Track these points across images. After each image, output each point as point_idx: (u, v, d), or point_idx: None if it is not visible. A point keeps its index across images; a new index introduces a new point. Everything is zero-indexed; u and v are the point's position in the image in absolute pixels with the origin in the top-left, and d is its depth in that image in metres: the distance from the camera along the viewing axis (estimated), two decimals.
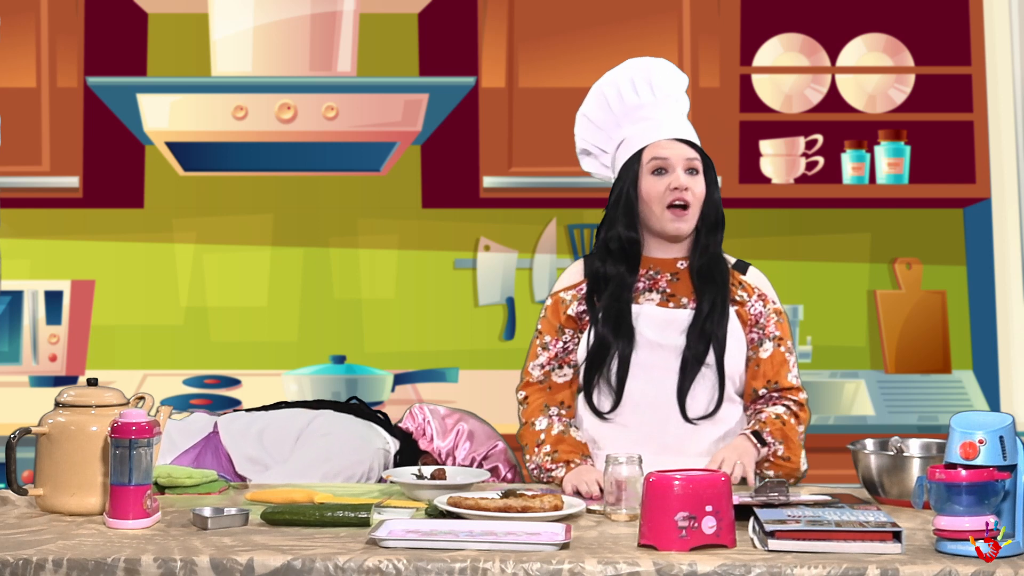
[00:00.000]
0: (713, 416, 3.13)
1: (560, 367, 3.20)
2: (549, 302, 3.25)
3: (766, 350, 3.16)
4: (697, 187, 3.14)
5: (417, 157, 5.48)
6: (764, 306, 3.19)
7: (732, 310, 3.16)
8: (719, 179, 3.29)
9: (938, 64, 5.29)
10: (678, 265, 3.20)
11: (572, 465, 3.08)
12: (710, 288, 3.15)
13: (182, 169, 5.29)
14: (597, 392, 3.16)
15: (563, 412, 3.18)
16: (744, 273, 3.22)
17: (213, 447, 3.37)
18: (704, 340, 3.11)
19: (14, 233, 5.39)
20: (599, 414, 3.16)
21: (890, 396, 5.21)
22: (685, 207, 3.14)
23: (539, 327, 3.24)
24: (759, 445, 3.08)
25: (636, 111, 3.21)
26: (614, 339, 3.13)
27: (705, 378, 3.13)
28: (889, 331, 5.39)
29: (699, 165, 3.15)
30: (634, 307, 3.17)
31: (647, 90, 3.21)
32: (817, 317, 5.41)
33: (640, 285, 3.19)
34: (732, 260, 3.24)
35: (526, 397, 3.21)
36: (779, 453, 3.10)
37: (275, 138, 5.06)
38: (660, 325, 3.14)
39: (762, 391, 3.16)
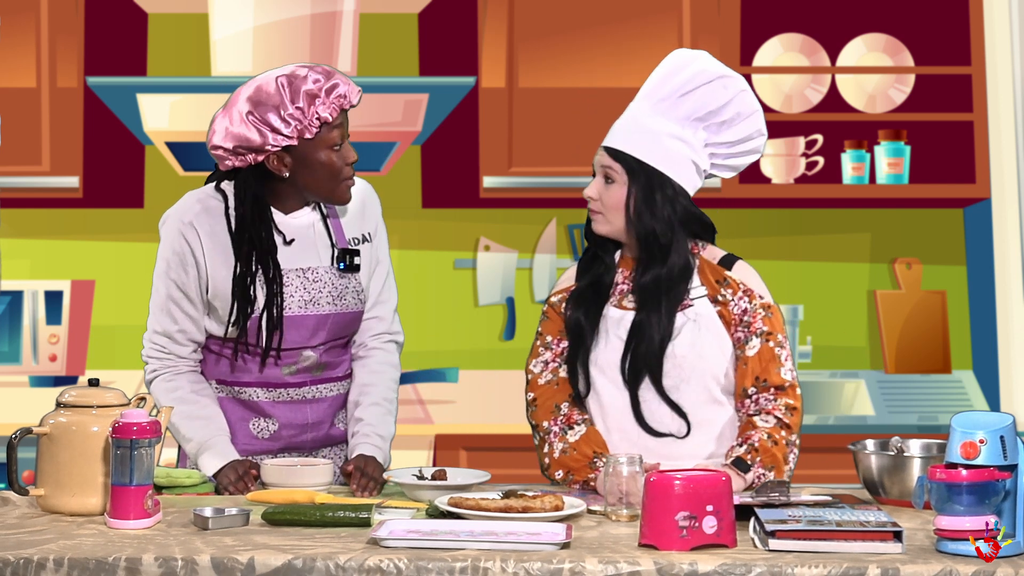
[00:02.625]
0: (687, 437, 3.11)
1: (566, 363, 3.19)
2: (546, 307, 3.24)
3: (753, 347, 3.11)
4: (608, 196, 3.13)
5: (417, 157, 5.48)
6: (750, 302, 3.13)
7: (715, 310, 3.13)
8: (677, 188, 3.16)
9: (938, 64, 5.29)
10: None
11: (590, 481, 3.09)
12: (646, 312, 3.10)
13: (182, 169, 5.29)
14: (574, 380, 3.17)
15: (569, 410, 3.16)
16: (730, 268, 3.17)
17: None
18: (635, 369, 3.09)
19: (14, 233, 5.39)
20: (579, 396, 3.16)
21: (890, 396, 5.21)
22: (595, 211, 3.16)
23: (539, 330, 3.24)
24: (743, 474, 3.05)
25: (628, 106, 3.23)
26: (585, 322, 3.14)
27: (657, 400, 3.11)
28: (889, 331, 5.39)
29: (615, 174, 3.13)
30: (616, 311, 3.16)
31: (646, 86, 3.19)
32: (817, 317, 5.41)
33: (624, 287, 3.18)
34: (720, 255, 3.20)
35: (535, 399, 3.19)
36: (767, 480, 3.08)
37: None
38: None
39: (751, 390, 3.11)
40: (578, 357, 3.15)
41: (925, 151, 5.29)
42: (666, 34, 5.15)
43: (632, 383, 3.09)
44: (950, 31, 5.29)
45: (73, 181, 5.14)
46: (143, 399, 2.81)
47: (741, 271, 3.17)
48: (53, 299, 5.44)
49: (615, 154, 3.13)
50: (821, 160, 5.33)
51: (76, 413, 2.75)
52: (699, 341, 3.10)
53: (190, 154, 5.20)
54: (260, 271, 3.19)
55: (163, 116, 5.11)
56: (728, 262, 3.17)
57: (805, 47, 5.35)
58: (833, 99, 5.33)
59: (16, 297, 5.43)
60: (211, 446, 3.16)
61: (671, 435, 3.10)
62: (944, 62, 5.28)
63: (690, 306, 3.12)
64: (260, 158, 3.15)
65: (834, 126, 5.32)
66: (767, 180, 5.29)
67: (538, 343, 3.22)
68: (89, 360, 5.42)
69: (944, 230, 5.47)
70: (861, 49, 5.36)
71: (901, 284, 5.44)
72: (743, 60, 5.24)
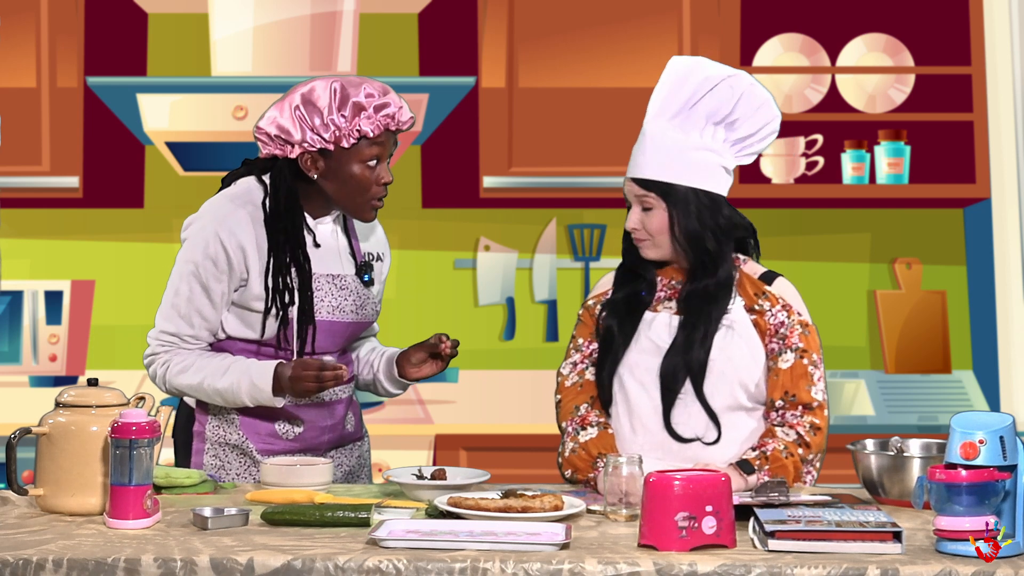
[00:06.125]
0: (716, 443, 3.11)
1: (593, 365, 3.21)
2: (581, 311, 3.27)
3: (786, 360, 3.11)
4: (650, 223, 3.13)
5: (417, 157, 5.48)
6: (787, 317, 3.14)
7: (750, 319, 3.14)
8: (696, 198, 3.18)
9: (938, 64, 5.29)
10: None
11: (591, 480, 3.10)
12: (693, 321, 3.11)
13: (182, 169, 5.29)
14: (601, 386, 3.17)
15: (587, 411, 3.18)
16: (770, 284, 3.18)
17: None
18: (674, 373, 3.10)
19: (14, 233, 5.39)
20: (604, 404, 3.18)
21: (890, 396, 5.21)
22: (641, 239, 3.16)
23: (573, 333, 3.27)
24: (746, 476, 3.05)
25: (642, 128, 3.19)
26: (618, 332, 3.15)
27: (693, 404, 3.11)
28: (889, 331, 5.39)
29: (652, 201, 3.12)
30: (649, 313, 3.17)
31: (655, 104, 3.15)
32: (817, 317, 5.36)
33: (661, 294, 3.19)
34: (761, 270, 3.21)
35: (560, 401, 3.23)
36: None
37: None
38: (672, 333, 3.14)
39: (779, 403, 3.11)
40: (605, 366, 3.16)
41: (925, 151, 5.29)
42: (666, 34, 5.15)
43: (671, 389, 3.10)
44: (950, 31, 5.29)
45: (73, 181, 5.14)
46: (142, 399, 2.81)
47: (781, 287, 3.19)
48: (53, 299, 5.44)
49: (646, 183, 3.13)
50: (821, 160, 5.33)
51: (75, 413, 2.75)
52: (730, 346, 3.11)
53: (190, 154, 5.20)
54: (292, 264, 3.21)
55: (163, 116, 5.11)
56: (769, 278, 3.19)
57: (805, 47, 5.35)
58: (833, 99, 5.33)
59: (16, 297, 5.43)
60: (248, 374, 3.17)
61: (698, 439, 3.10)
62: (944, 62, 5.28)
63: (726, 313, 3.13)
64: (295, 153, 3.19)
65: (834, 126, 5.32)
66: (767, 180, 5.29)
67: (571, 346, 3.26)
68: (89, 360, 5.42)
69: (944, 230, 5.47)
70: (861, 49, 5.36)
71: (901, 284, 5.44)
72: (743, 60, 5.24)
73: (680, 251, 3.14)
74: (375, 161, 3.20)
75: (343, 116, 3.16)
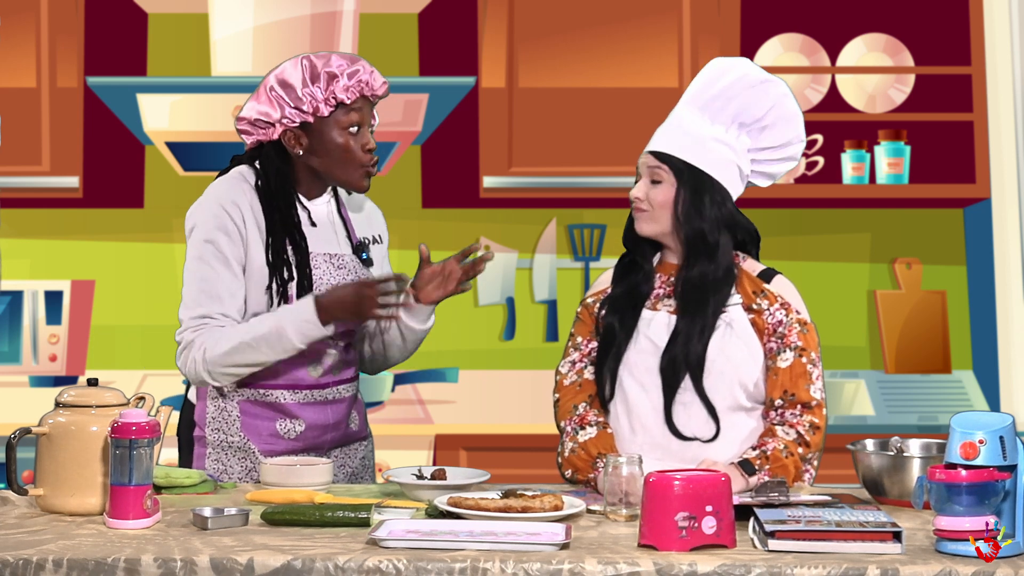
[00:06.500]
0: (714, 440, 3.10)
1: (592, 364, 3.20)
2: (580, 309, 3.27)
3: (785, 359, 3.11)
4: (655, 195, 3.13)
5: (417, 157, 5.49)
6: (786, 315, 3.13)
7: (748, 318, 3.13)
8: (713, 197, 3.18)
9: (938, 64, 5.29)
10: None
11: (591, 480, 3.10)
12: (691, 312, 3.11)
13: (182, 169, 5.29)
14: (601, 382, 3.17)
15: (585, 411, 3.17)
16: (768, 282, 3.18)
17: None
18: (674, 368, 3.10)
19: (14, 233, 5.39)
20: (603, 398, 3.17)
21: (890, 396, 5.21)
22: (642, 211, 3.16)
23: (572, 331, 3.27)
24: (747, 476, 3.04)
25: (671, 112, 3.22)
26: (619, 329, 3.15)
27: (693, 402, 3.11)
28: (889, 331, 5.39)
29: (663, 175, 3.13)
30: (648, 312, 3.17)
31: (688, 92, 3.18)
32: (817, 317, 5.35)
33: (660, 291, 3.19)
34: (760, 268, 3.21)
35: (558, 400, 3.22)
36: None
37: None
38: (671, 332, 3.14)
39: (778, 402, 3.11)
40: (607, 362, 3.16)
41: (925, 151, 5.29)
42: (666, 34, 5.15)
43: (671, 383, 3.10)
44: (950, 31, 5.29)
45: (73, 181, 5.14)
46: (142, 399, 2.81)
47: (780, 285, 3.18)
48: (53, 299, 5.44)
49: (662, 157, 3.13)
50: (821, 160, 5.33)
51: (75, 413, 2.75)
52: (729, 346, 3.10)
53: (190, 154, 5.20)
54: (289, 244, 3.21)
55: (163, 116, 5.11)
56: (767, 275, 3.18)
57: (805, 47, 5.35)
58: (833, 99, 5.34)
59: (16, 297, 5.43)
60: (290, 311, 3.15)
61: (696, 439, 3.10)
62: (944, 62, 5.28)
63: (723, 312, 3.13)
64: (277, 133, 3.22)
65: (834, 126, 5.32)
66: None
67: (569, 344, 3.25)
68: (89, 360, 5.42)
69: (944, 230, 5.47)
70: (861, 49, 5.36)
71: (901, 284, 5.44)
72: None
73: (677, 231, 3.13)
74: (356, 128, 3.22)
75: (317, 87, 3.19)
